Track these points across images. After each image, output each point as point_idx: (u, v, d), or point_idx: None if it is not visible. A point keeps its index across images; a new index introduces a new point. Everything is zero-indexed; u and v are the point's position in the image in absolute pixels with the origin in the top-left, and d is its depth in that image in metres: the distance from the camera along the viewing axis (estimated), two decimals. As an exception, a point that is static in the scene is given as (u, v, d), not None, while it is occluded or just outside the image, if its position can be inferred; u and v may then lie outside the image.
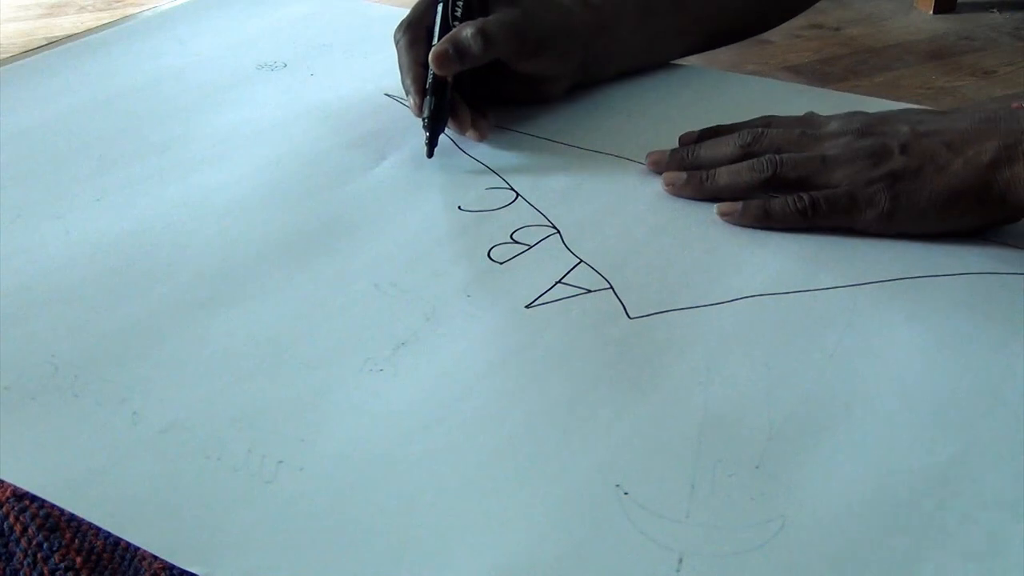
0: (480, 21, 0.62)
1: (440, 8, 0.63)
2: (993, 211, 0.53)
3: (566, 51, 0.66)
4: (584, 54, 0.68)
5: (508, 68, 0.64)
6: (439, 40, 0.62)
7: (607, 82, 0.72)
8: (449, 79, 0.62)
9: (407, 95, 0.64)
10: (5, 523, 0.38)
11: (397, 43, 0.65)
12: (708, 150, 0.59)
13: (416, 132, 0.65)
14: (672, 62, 0.75)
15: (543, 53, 0.65)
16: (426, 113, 0.62)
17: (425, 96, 0.62)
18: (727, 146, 0.58)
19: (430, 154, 0.62)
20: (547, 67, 0.66)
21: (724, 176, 0.57)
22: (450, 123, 0.64)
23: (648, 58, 0.73)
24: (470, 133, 0.64)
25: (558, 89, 0.69)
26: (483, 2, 0.64)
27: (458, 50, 0.61)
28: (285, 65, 0.77)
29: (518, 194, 0.59)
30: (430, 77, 0.62)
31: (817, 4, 0.82)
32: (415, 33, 0.65)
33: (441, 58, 0.61)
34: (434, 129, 0.62)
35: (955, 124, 0.54)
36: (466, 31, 0.61)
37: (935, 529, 0.37)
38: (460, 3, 0.63)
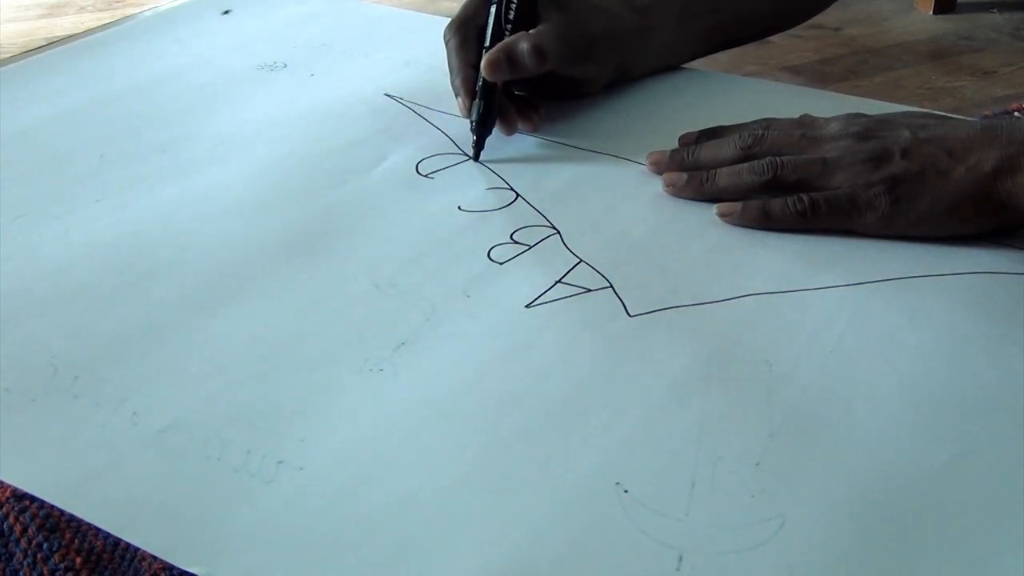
0: (535, 36, 0.62)
1: (493, 10, 0.64)
2: (993, 219, 0.53)
3: (609, 55, 0.68)
4: (623, 56, 0.69)
5: (552, 70, 0.65)
6: (492, 44, 0.63)
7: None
8: (499, 84, 0.63)
9: (455, 96, 0.65)
10: (5, 523, 0.38)
11: (447, 43, 0.66)
12: (708, 151, 0.59)
13: (416, 134, 0.65)
14: (672, 62, 0.75)
15: (588, 59, 0.66)
16: (474, 116, 0.63)
17: (474, 98, 0.63)
18: (727, 147, 0.58)
19: (476, 157, 0.63)
20: (589, 71, 0.67)
21: (724, 177, 0.57)
22: (498, 124, 0.64)
23: (681, 58, 0.74)
24: (523, 124, 0.65)
25: (595, 88, 0.70)
26: (533, 4, 0.64)
27: (511, 61, 0.62)
28: (285, 65, 0.77)
29: (518, 194, 0.59)
30: (480, 80, 0.63)
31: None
32: (465, 33, 0.66)
33: (494, 66, 0.62)
34: (481, 133, 0.63)
35: (956, 131, 0.54)
36: (522, 45, 0.62)
37: (935, 529, 0.37)
38: (513, 5, 0.63)
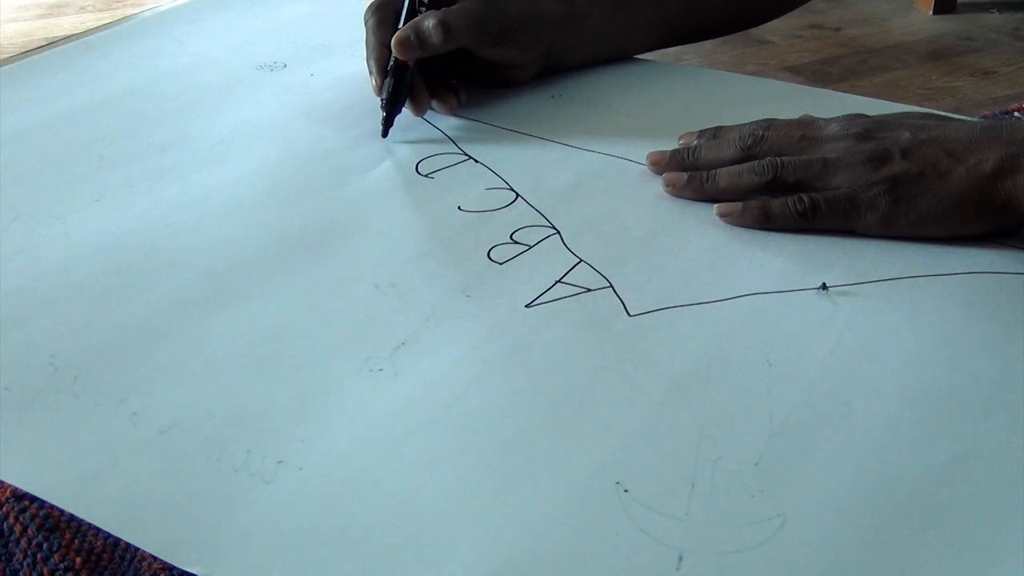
0: (443, 12, 0.64)
1: None
2: (994, 220, 0.53)
3: (530, 40, 0.68)
4: (550, 44, 0.69)
5: (471, 54, 0.67)
6: (404, 24, 0.65)
7: (607, 82, 0.72)
8: (410, 63, 0.64)
9: (369, 75, 0.67)
10: (5, 523, 0.38)
11: (366, 23, 0.68)
12: (708, 151, 0.59)
13: (416, 134, 0.65)
14: (672, 61, 0.75)
15: (505, 42, 0.67)
16: (384, 94, 0.64)
17: (386, 77, 0.65)
18: (728, 148, 0.58)
19: (384, 134, 0.65)
20: (510, 55, 0.69)
21: (724, 178, 0.57)
22: (408, 104, 0.66)
23: (619, 50, 0.74)
24: (440, 107, 0.67)
25: (524, 75, 0.71)
26: None
27: (419, 38, 0.64)
28: (285, 65, 0.77)
29: (518, 194, 0.59)
30: (392, 60, 0.64)
31: (818, 5, 0.83)
32: (383, 15, 0.67)
33: (403, 44, 0.64)
34: (390, 111, 0.64)
35: (956, 132, 0.54)
36: (428, 21, 0.64)
37: (935, 528, 0.37)
38: None
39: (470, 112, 0.68)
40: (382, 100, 0.64)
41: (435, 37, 0.64)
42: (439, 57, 0.66)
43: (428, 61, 0.66)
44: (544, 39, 0.69)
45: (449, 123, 0.67)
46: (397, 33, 0.64)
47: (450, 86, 0.68)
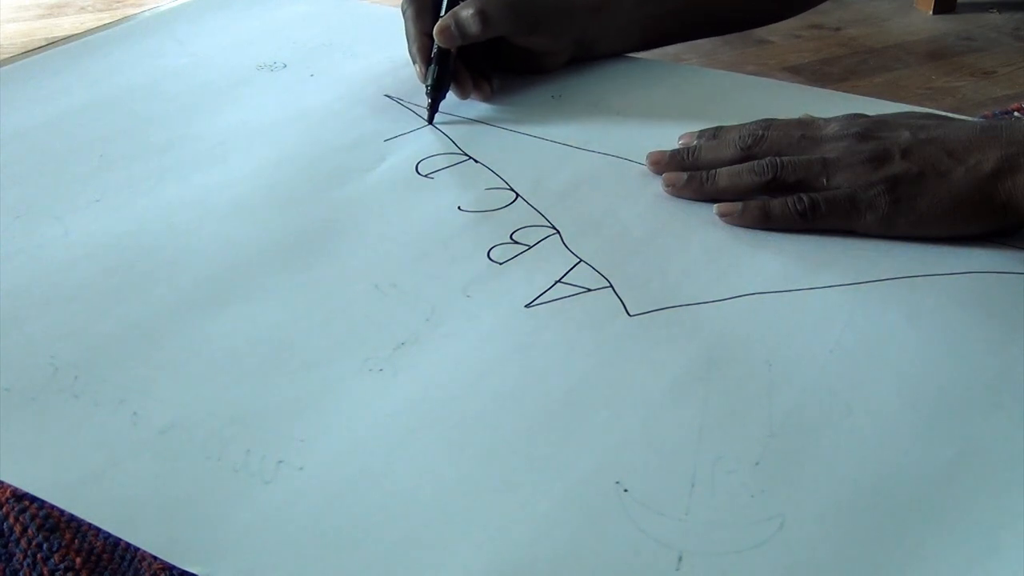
0: (481, 2, 0.67)
1: None
2: (993, 219, 0.53)
3: (562, 30, 0.71)
4: (581, 32, 0.72)
5: (506, 41, 0.69)
6: (445, 12, 0.67)
7: (607, 82, 0.72)
8: (453, 50, 0.67)
9: (413, 63, 0.69)
10: (5, 524, 0.38)
11: (404, 12, 0.70)
12: (708, 151, 0.59)
13: (416, 134, 0.65)
14: (672, 62, 0.75)
15: (539, 31, 0.70)
16: (429, 81, 0.67)
17: (429, 64, 0.67)
18: (727, 148, 0.58)
19: (431, 120, 0.67)
20: (542, 44, 0.71)
21: (724, 178, 0.57)
22: (452, 88, 0.68)
23: (647, 39, 0.76)
24: (474, 94, 0.69)
25: (555, 62, 0.73)
26: None
27: (459, 27, 0.66)
28: (285, 65, 0.77)
29: (518, 194, 0.59)
30: (435, 47, 0.67)
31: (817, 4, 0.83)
32: (420, 4, 0.70)
33: (444, 32, 0.66)
34: (435, 97, 0.67)
35: (956, 132, 0.54)
36: (467, 11, 0.66)
37: (935, 528, 0.37)
38: None
39: (470, 112, 0.68)
40: (427, 87, 0.67)
41: (474, 27, 0.66)
42: (476, 44, 0.68)
43: (466, 48, 0.68)
44: (575, 27, 0.71)
45: (449, 123, 0.67)
46: (439, 22, 0.66)
47: (483, 73, 0.70)
